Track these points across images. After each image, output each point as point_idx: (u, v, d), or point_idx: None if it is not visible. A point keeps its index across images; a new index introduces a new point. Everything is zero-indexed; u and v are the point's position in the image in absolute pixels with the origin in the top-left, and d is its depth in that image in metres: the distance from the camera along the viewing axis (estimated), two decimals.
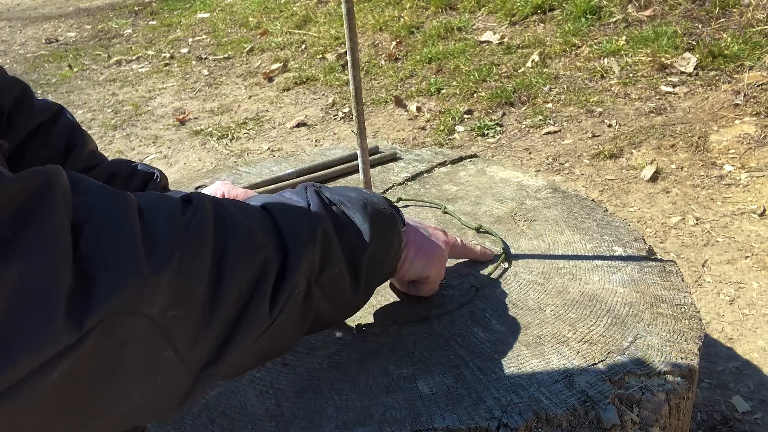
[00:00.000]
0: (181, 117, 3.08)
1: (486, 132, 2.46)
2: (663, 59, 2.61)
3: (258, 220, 0.51)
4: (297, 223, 0.53)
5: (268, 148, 2.64)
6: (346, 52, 1.06)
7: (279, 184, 1.04)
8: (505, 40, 3.16)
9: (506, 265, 0.80)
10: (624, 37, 2.86)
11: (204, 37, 4.54)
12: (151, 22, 5.26)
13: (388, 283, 0.77)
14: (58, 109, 0.89)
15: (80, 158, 0.84)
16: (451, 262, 0.82)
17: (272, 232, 0.51)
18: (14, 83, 0.80)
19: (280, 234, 0.51)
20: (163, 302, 0.40)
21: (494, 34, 3.13)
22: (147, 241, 0.40)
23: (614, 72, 2.68)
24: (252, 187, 1.03)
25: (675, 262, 0.80)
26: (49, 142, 0.84)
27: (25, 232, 0.35)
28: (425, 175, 1.09)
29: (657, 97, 2.47)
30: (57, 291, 0.35)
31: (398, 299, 0.75)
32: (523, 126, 2.47)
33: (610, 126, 2.35)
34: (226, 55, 4.01)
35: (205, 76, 3.71)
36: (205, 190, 0.86)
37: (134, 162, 0.89)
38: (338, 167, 1.10)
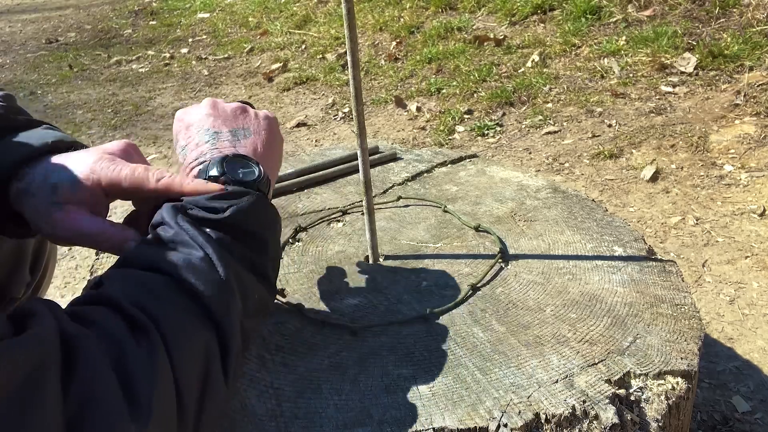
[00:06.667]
0: None
1: (486, 132, 2.46)
2: (663, 59, 2.61)
3: (186, 307, 0.49)
4: (211, 282, 0.51)
5: None
6: (346, 52, 1.06)
7: (280, 184, 1.05)
8: (505, 40, 3.16)
9: (503, 265, 0.80)
10: (624, 37, 2.86)
11: (204, 37, 4.54)
12: (151, 22, 5.26)
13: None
14: None
15: None
16: (449, 263, 0.82)
17: (196, 310, 0.49)
18: None
19: (206, 308, 0.50)
20: None
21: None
22: (128, 397, 0.41)
23: (614, 72, 2.68)
24: None
25: (675, 262, 0.80)
26: None
27: (22, 419, 0.36)
28: (425, 175, 1.09)
29: (657, 97, 2.47)
30: None
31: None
32: (523, 126, 2.47)
33: (610, 126, 2.35)
34: (226, 55, 4.01)
35: (205, 76, 3.71)
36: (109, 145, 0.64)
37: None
38: (338, 167, 1.10)
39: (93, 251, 0.83)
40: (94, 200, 0.58)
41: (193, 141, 0.64)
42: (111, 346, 0.43)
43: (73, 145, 0.63)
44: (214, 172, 0.59)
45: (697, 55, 2.57)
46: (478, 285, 0.76)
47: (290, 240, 0.90)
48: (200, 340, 0.48)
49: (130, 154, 0.62)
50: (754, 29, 2.62)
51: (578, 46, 2.93)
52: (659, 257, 0.81)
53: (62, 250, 1.90)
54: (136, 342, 0.44)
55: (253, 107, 0.69)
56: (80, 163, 0.58)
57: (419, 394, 0.60)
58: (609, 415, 0.57)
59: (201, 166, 0.62)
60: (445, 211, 0.94)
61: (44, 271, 0.96)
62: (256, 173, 0.61)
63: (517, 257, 0.82)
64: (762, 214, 1.77)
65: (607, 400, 0.58)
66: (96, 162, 0.58)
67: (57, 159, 0.59)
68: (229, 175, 0.59)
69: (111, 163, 0.58)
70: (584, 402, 0.58)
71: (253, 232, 0.57)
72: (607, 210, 0.94)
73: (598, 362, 0.63)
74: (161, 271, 0.50)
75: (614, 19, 3.04)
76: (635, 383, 0.61)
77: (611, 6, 3.11)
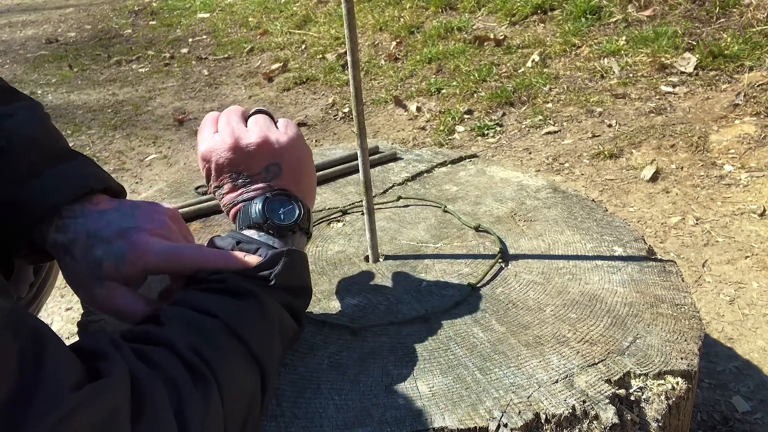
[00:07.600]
0: (180, 117, 3.08)
1: (486, 132, 2.46)
2: (663, 59, 2.61)
3: (238, 351, 0.52)
4: (260, 328, 0.54)
5: None
6: (346, 52, 1.06)
7: None
8: (505, 40, 3.16)
9: (503, 265, 0.80)
10: (624, 37, 2.86)
11: (204, 37, 4.54)
12: (151, 22, 5.26)
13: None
14: None
15: None
16: (449, 263, 0.82)
17: (245, 354, 0.52)
18: None
19: (253, 352, 0.52)
20: None
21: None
22: None
23: (614, 72, 2.68)
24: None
25: (675, 262, 0.80)
26: None
27: None
28: (425, 175, 1.09)
29: (657, 97, 2.47)
30: None
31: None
32: (523, 126, 2.47)
33: (610, 126, 2.35)
34: (226, 55, 4.01)
35: (205, 76, 3.71)
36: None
37: None
38: (338, 167, 1.10)
39: None
40: (133, 276, 0.59)
41: (227, 184, 0.67)
42: (172, 390, 0.45)
43: (109, 185, 0.63)
44: (256, 217, 0.63)
45: (697, 55, 2.57)
46: (478, 285, 0.76)
47: None
48: (248, 382, 0.51)
49: (173, 230, 0.62)
50: (754, 29, 2.62)
51: (578, 46, 2.93)
52: (659, 257, 0.81)
53: None
54: (194, 386, 0.47)
55: (271, 116, 0.70)
56: (126, 239, 0.58)
57: (419, 394, 0.60)
58: (609, 415, 0.57)
59: (242, 207, 0.65)
60: (445, 211, 0.94)
61: (48, 271, 0.96)
62: (296, 212, 0.64)
63: (517, 257, 0.82)
64: (762, 214, 1.77)
65: (607, 400, 0.58)
66: (144, 245, 0.58)
67: (98, 216, 0.59)
68: (271, 220, 0.63)
69: (157, 246, 0.58)
70: (584, 402, 0.58)
71: (293, 286, 0.61)
72: (607, 210, 0.94)
73: (598, 362, 0.63)
74: (215, 315, 0.53)
75: (614, 19, 3.04)
76: (635, 383, 0.61)
77: (611, 6, 3.11)
